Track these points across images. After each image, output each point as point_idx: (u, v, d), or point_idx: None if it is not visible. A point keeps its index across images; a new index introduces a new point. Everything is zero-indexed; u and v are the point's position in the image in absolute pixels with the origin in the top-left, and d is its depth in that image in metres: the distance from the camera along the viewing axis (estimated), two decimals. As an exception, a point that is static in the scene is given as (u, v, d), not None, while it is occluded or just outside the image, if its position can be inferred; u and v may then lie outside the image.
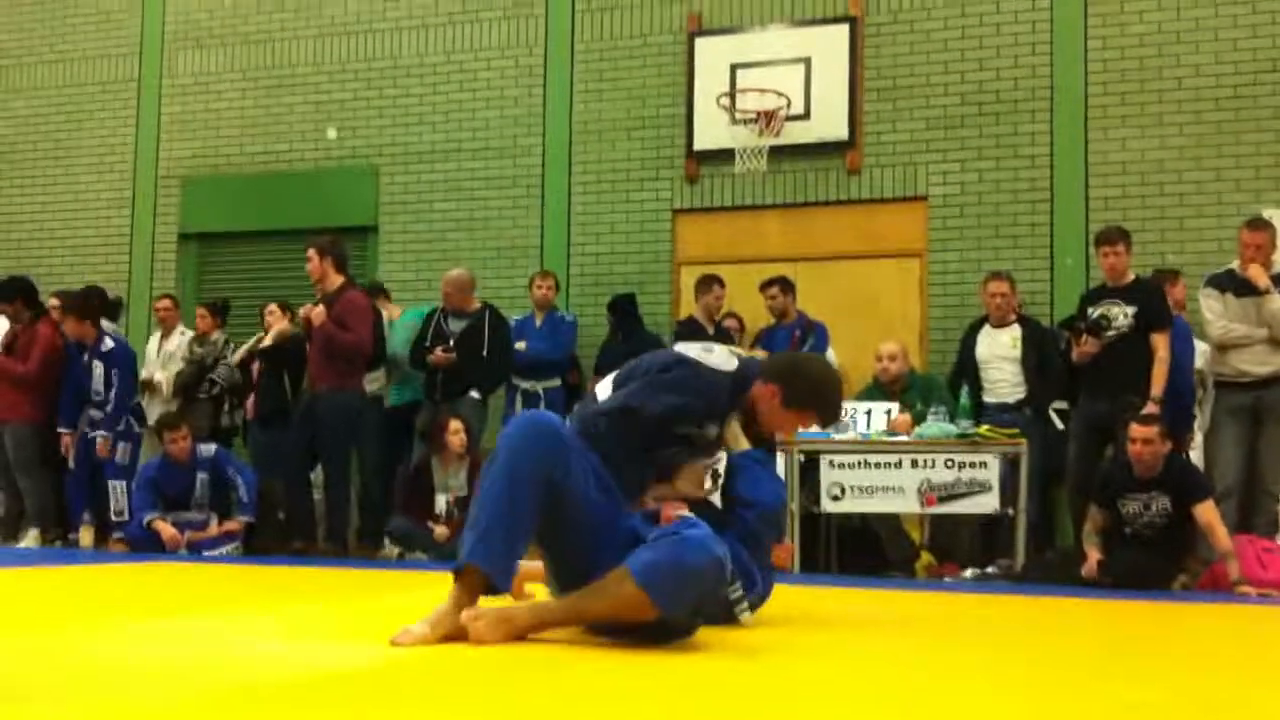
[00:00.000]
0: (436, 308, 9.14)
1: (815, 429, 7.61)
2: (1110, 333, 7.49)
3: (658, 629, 3.19)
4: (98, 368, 8.99)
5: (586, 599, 3.24)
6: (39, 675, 2.59)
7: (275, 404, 9.09)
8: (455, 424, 8.24)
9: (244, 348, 9.59)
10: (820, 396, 3.96)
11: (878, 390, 8.27)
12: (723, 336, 9.12)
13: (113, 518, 8.78)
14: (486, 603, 3.25)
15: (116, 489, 8.74)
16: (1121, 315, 7.55)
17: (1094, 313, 7.60)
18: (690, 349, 3.87)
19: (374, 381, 9.12)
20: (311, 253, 8.48)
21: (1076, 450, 7.74)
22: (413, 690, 2.59)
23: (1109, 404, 7.50)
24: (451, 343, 8.81)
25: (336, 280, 8.45)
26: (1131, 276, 7.71)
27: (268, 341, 9.17)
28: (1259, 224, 7.58)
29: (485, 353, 8.85)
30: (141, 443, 9.29)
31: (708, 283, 9.12)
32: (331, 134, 11.05)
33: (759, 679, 2.91)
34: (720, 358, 3.84)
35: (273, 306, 9.34)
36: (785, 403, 3.87)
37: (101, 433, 8.91)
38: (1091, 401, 7.66)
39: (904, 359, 8.33)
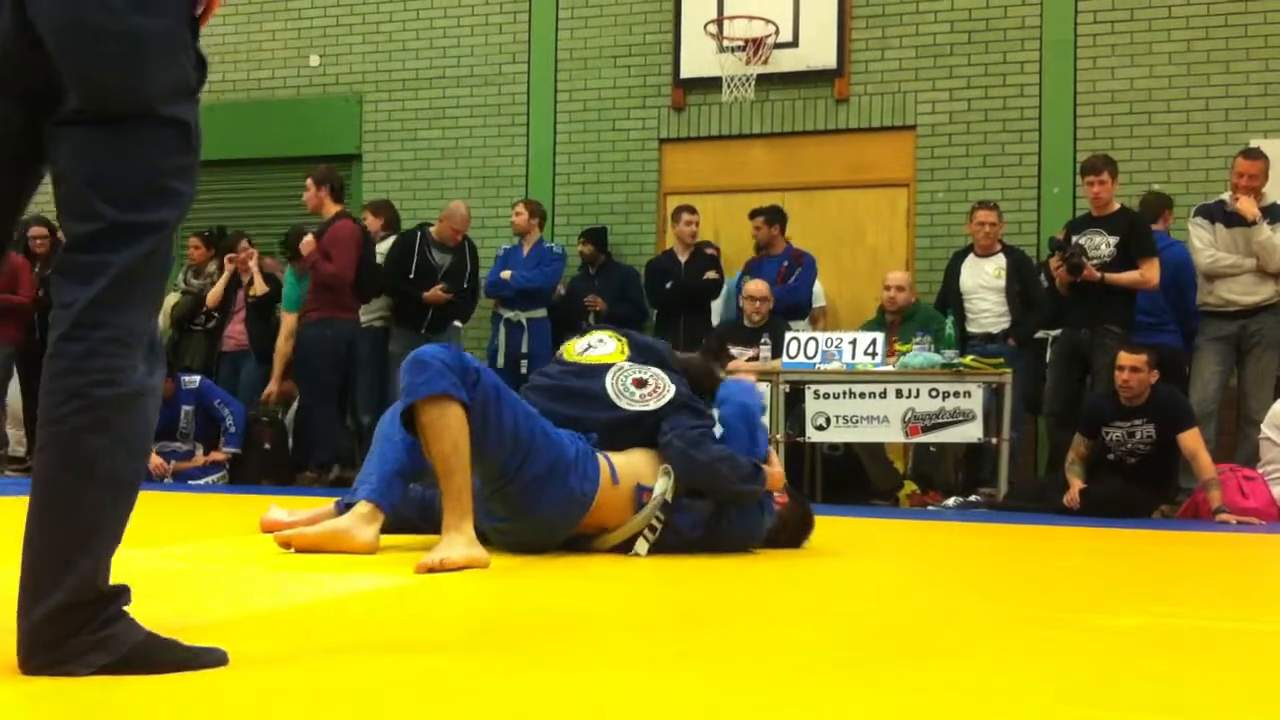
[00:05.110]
0: (414, 232, 9.05)
1: (802, 360, 7.73)
2: (1093, 261, 7.47)
3: None
4: None
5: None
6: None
7: (261, 339, 9.05)
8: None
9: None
10: None
11: (879, 322, 8.30)
12: (706, 260, 9.03)
13: None
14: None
15: None
16: (1104, 245, 7.53)
17: (1075, 240, 7.59)
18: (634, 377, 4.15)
19: (370, 312, 8.98)
20: (309, 182, 8.53)
21: (1054, 378, 7.78)
22: (393, 616, 2.59)
23: (1089, 333, 7.53)
24: (440, 276, 8.80)
25: (333, 210, 8.46)
26: (1116, 206, 7.68)
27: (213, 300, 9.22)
28: (1254, 153, 7.54)
29: (466, 285, 9.02)
30: None
31: (678, 212, 9.12)
32: (314, 61, 10.92)
33: (745, 605, 2.92)
34: (656, 382, 4.13)
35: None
36: None
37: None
38: (1073, 330, 7.68)
39: (911, 290, 8.43)
